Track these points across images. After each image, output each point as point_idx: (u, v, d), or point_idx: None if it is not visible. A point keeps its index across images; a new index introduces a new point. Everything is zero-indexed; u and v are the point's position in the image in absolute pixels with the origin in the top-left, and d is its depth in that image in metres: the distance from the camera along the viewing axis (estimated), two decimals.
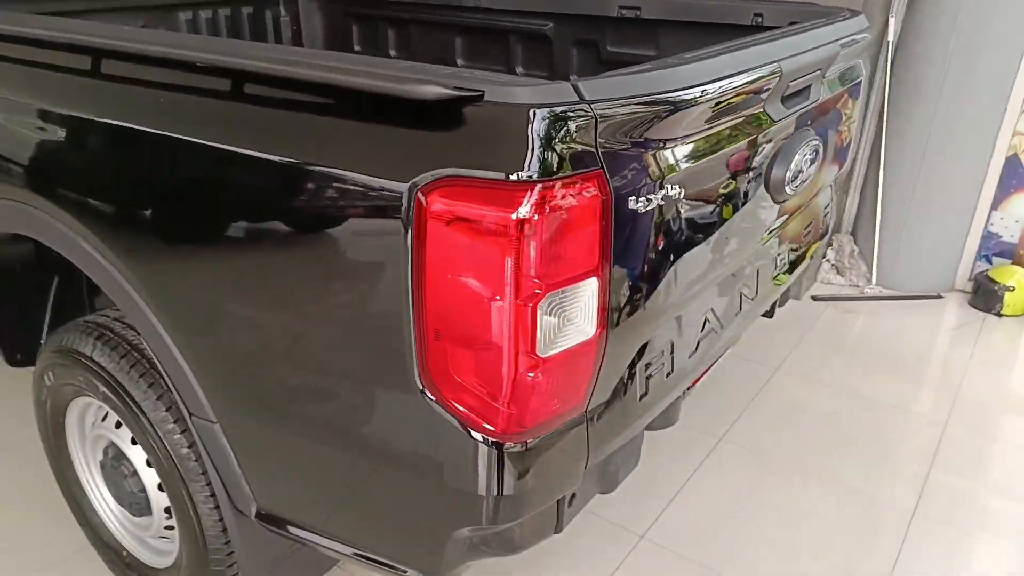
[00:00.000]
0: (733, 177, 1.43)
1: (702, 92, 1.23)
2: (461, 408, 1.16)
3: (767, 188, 1.60)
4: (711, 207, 1.38)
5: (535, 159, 1.03)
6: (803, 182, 1.69)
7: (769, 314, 2.15)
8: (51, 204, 1.53)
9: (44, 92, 1.53)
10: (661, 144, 1.21)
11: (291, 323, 1.31)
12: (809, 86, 1.69)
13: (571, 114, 1.06)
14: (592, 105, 1.08)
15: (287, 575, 1.74)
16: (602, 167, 1.09)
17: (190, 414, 1.50)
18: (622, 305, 1.22)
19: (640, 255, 1.22)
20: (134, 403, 1.60)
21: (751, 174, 1.51)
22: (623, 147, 1.14)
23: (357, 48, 3.28)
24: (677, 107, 1.20)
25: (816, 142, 1.69)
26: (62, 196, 1.52)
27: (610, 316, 1.19)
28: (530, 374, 1.12)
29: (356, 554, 1.43)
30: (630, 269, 1.21)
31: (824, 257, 4.05)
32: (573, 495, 1.40)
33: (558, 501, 1.36)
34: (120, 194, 1.46)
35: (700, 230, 1.36)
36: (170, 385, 1.50)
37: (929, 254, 3.86)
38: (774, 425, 2.78)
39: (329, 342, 1.27)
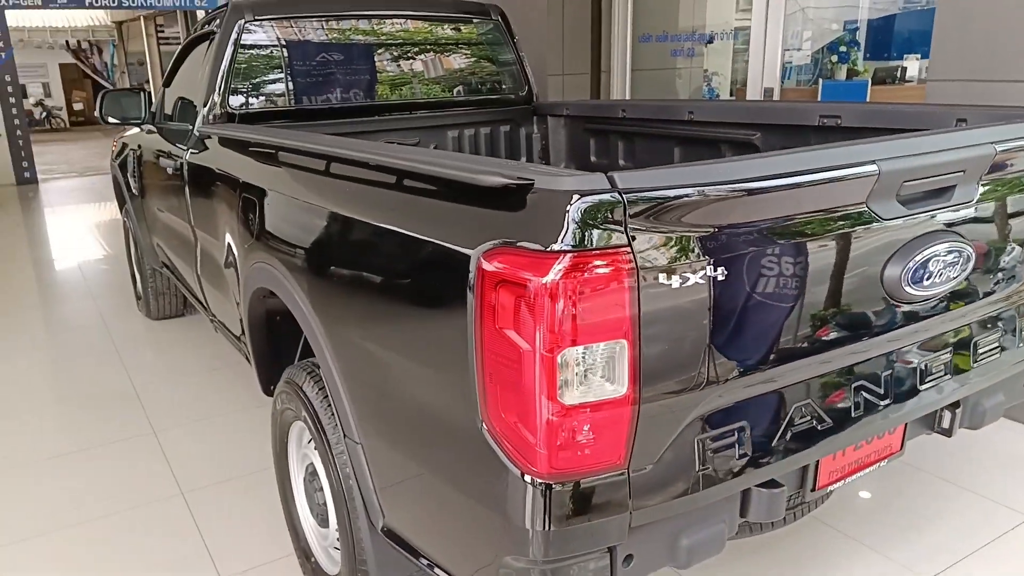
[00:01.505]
0: (809, 266, 1.46)
1: (737, 187, 1.34)
2: (506, 443, 1.35)
3: (884, 290, 1.58)
4: (771, 289, 1.43)
5: (568, 234, 1.25)
6: (944, 288, 1.63)
7: (946, 432, 1.97)
8: (282, 266, 2.05)
9: (285, 183, 2.10)
10: (700, 230, 1.33)
11: (401, 362, 1.63)
12: (952, 187, 1.64)
13: (604, 199, 1.26)
14: (623, 193, 1.26)
15: None
16: (629, 245, 1.26)
17: (344, 435, 1.87)
18: (659, 371, 1.33)
19: (678, 328, 1.33)
20: (321, 426, 2.01)
21: (848, 270, 1.52)
22: (655, 229, 1.29)
23: (593, 158, 3.67)
24: (710, 198, 1.32)
25: (959, 245, 1.62)
26: (286, 260, 2.04)
27: (643, 379, 1.31)
28: (555, 418, 1.28)
29: (435, 568, 1.64)
30: (666, 338, 1.32)
31: None
32: (631, 556, 1.47)
33: (611, 558, 1.45)
34: (310, 256, 1.94)
35: (760, 312, 1.42)
36: (335, 410, 1.89)
37: None
38: None
39: (426, 377, 1.56)
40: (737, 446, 1.49)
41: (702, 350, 1.37)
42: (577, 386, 1.28)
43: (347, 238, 1.84)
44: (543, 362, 1.26)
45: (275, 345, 2.52)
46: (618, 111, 3.50)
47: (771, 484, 1.62)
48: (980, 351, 1.90)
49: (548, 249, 1.25)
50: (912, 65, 5.62)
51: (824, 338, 1.54)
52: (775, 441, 1.55)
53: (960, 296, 1.75)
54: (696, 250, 1.33)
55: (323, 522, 2.23)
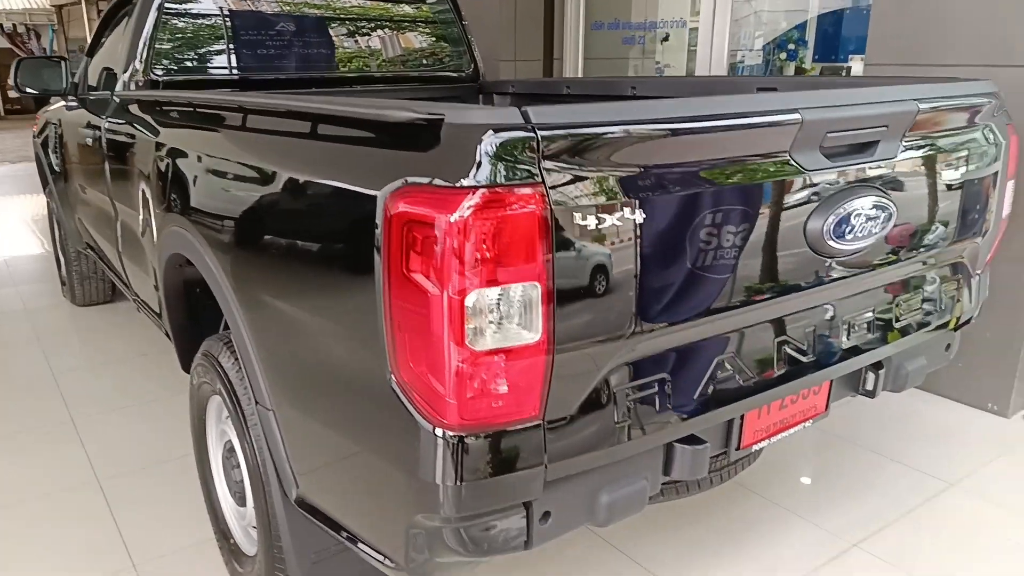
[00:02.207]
0: (732, 214, 1.43)
1: (658, 126, 1.30)
2: (416, 395, 1.29)
3: (807, 243, 1.56)
4: (696, 234, 1.39)
5: (480, 170, 1.19)
6: (865, 243, 1.62)
7: (870, 394, 1.98)
8: (193, 228, 1.95)
9: (195, 141, 2.00)
10: (620, 170, 1.29)
11: (311, 319, 1.55)
12: (875, 142, 1.64)
13: (517, 135, 1.20)
14: (538, 128, 1.21)
15: (330, 574, 1.91)
16: (543, 183, 1.21)
17: (256, 402, 1.78)
18: (576, 318, 1.28)
19: (596, 272, 1.28)
20: (236, 397, 1.92)
21: (771, 220, 1.49)
22: (572, 167, 1.24)
23: None
24: (629, 136, 1.28)
25: (881, 201, 1.62)
26: (197, 221, 1.94)
27: (558, 325, 1.26)
28: (466, 365, 1.22)
29: (349, 539, 1.57)
30: (583, 283, 1.28)
31: None
32: (548, 513, 1.42)
33: (527, 515, 1.40)
34: (218, 214, 1.86)
35: (681, 260, 1.38)
36: (247, 376, 1.80)
37: None
38: (928, 542, 2.45)
39: (336, 333, 1.48)
40: (658, 398, 1.46)
41: (620, 297, 1.32)
42: (488, 332, 1.22)
43: (254, 192, 1.75)
44: (452, 306, 1.20)
45: (195, 319, 2.41)
46: (563, 88, 3.46)
47: (694, 441, 1.59)
48: (903, 311, 1.91)
49: (457, 185, 1.19)
50: (857, 65, 5.74)
51: (748, 289, 1.52)
52: (697, 394, 1.51)
53: (883, 254, 1.75)
54: (615, 191, 1.29)
55: (241, 500, 2.14)
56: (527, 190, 1.20)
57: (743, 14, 4.74)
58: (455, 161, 1.21)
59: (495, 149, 1.19)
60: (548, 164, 1.23)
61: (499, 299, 1.22)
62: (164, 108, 2.48)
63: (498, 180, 1.18)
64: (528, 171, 1.21)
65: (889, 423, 3.25)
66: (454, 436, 1.27)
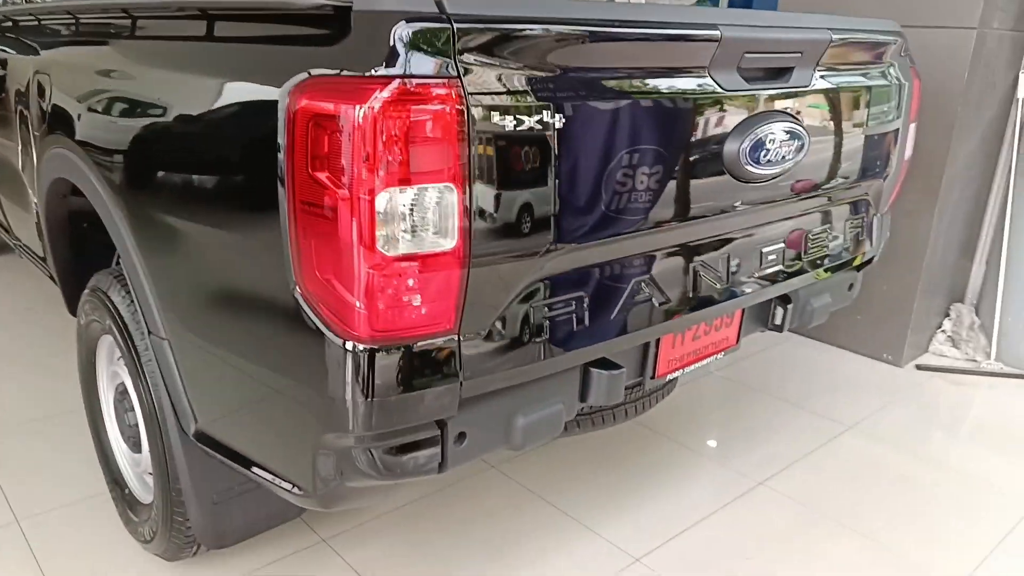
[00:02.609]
0: (652, 128, 1.41)
1: (580, 27, 1.25)
2: (323, 307, 1.21)
3: (724, 164, 1.55)
4: (615, 149, 1.36)
5: (390, 61, 1.11)
6: (778, 168, 1.62)
7: (778, 328, 2.01)
8: (77, 147, 1.79)
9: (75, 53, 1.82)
10: (540, 70, 1.24)
11: (206, 234, 1.45)
12: (790, 69, 1.64)
13: (432, 25, 1.13)
14: (453, 19, 1.14)
15: (234, 515, 1.81)
16: (458, 77, 1.14)
17: (149, 332, 1.66)
18: (493, 227, 1.23)
19: (513, 177, 1.23)
20: (128, 333, 1.78)
21: (690, 139, 1.48)
22: (489, 63, 1.18)
23: None
24: (550, 35, 1.23)
25: (795, 128, 1.62)
26: (80, 138, 1.78)
27: (474, 232, 1.21)
28: (376, 272, 1.15)
29: (253, 470, 1.48)
30: (500, 189, 1.22)
31: (939, 328, 3.70)
32: (463, 434, 1.38)
33: (442, 435, 1.35)
34: (103, 127, 1.71)
35: (598, 170, 1.35)
36: (139, 305, 1.67)
37: None
38: (828, 480, 2.54)
39: (234, 246, 1.39)
40: (574, 317, 1.43)
41: (538, 206, 1.28)
42: (401, 236, 1.15)
43: (143, 103, 1.61)
44: (361, 207, 1.13)
45: (82, 258, 2.23)
46: None
47: (610, 366, 1.57)
48: (811, 246, 1.95)
49: (367, 75, 1.11)
50: None
51: (666, 209, 1.50)
52: (614, 315, 1.49)
53: (795, 183, 1.77)
54: (534, 92, 1.23)
55: (135, 447, 2.00)
56: (442, 84, 1.14)
57: None
58: (365, 52, 1.13)
59: (409, 38, 1.12)
60: (465, 58, 1.16)
61: (412, 201, 1.15)
62: (41, 21, 2.26)
63: (409, 72, 1.11)
64: (444, 64, 1.14)
65: (793, 372, 3.37)
66: (364, 349, 1.20)
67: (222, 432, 1.58)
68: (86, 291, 2.00)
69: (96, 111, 1.77)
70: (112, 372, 2.08)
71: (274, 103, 1.20)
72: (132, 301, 1.76)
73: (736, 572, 2.09)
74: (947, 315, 3.70)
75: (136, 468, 2.06)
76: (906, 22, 2.26)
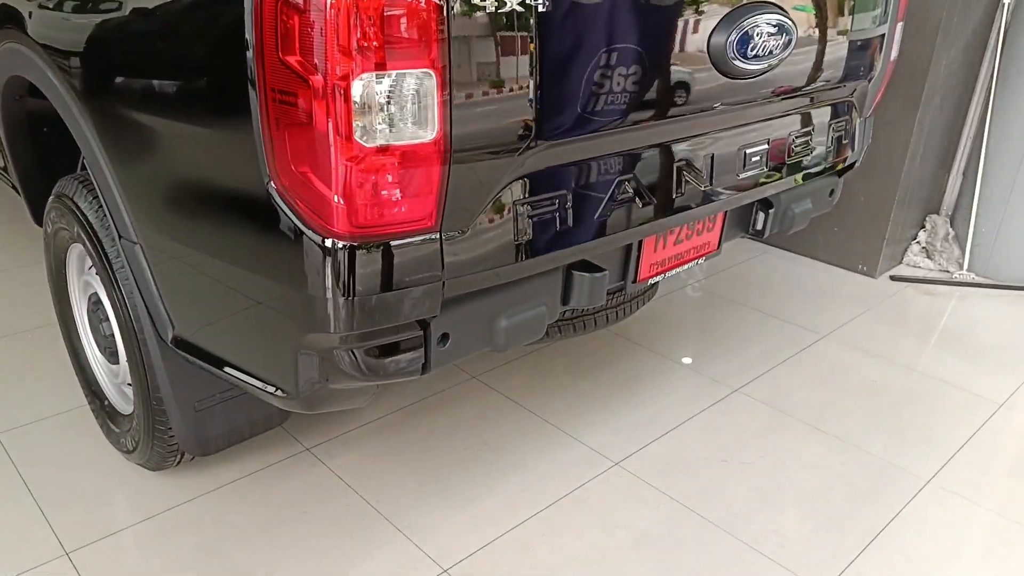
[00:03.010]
0: (636, 18, 1.36)
1: None
2: (299, 202, 1.17)
3: (710, 57, 1.51)
4: (599, 39, 1.31)
5: None
6: (764, 63, 1.58)
7: (759, 234, 2.01)
8: (34, 43, 1.69)
9: None
10: None
11: (174, 128, 1.39)
12: None
13: None
14: None
15: (216, 422, 1.81)
16: None
17: (119, 236, 1.61)
18: (474, 118, 1.19)
19: (493, 66, 1.19)
20: (98, 238, 1.72)
21: (676, 29, 1.43)
22: None
23: None
24: None
25: (783, 21, 1.57)
26: (34, 33, 1.68)
27: (454, 123, 1.16)
28: (354, 164, 1.11)
29: (230, 372, 1.47)
30: (481, 77, 1.18)
31: (914, 239, 3.74)
32: (446, 335, 1.36)
33: (425, 335, 1.33)
34: (62, 21, 1.60)
35: (581, 61, 1.30)
36: (108, 209, 1.62)
37: None
38: (802, 385, 2.60)
39: (202, 141, 1.33)
40: (556, 218, 1.40)
41: (522, 96, 1.23)
42: (378, 125, 1.11)
43: None
44: (336, 93, 1.08)
45: (45, 165, 2.15)
46: None
47: (593, 268, 1.56)
48: (795, 148, 1.92)
49: None
50: None
51: (650, 104, 1.46)
52: (596, 216, 1.47)
53: (781, 81, 1.73)
54: None
55: (113, 357, 1.98)
56: None
57: None
58: None
59: None
60: None
61: (390, 88, 1.10)
62: None
63: None
64: None
65: (770, 284, 3.40)
66: (344, 245, 1.17)
67: (201, 337, 1.55)
68: (51, 198, 1.93)
69: (47, 7, 1.66)
70: (84, 282, 2.04)
71: None
72: (100, 206, 1.71)
73: (711, 473, 2.15)
74: (922, 226, 3.73)
75: (114, 379, 2.04)
76: None
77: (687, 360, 2.72)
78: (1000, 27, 3.35)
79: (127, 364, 1.83)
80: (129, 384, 1.93)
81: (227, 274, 1.40)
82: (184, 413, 1.73)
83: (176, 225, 1.48)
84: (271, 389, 1.41)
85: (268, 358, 1.41)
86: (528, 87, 1.24)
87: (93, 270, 1.92)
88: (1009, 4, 3.34)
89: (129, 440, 1.92)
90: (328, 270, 1.18)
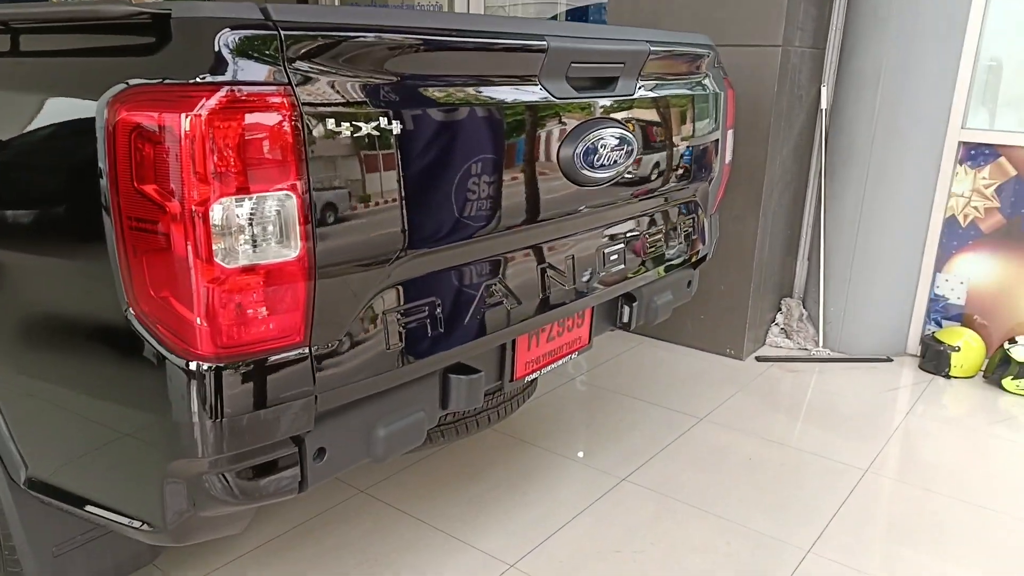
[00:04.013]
0: (490, 135, 1.46)
1: (414, 35, 1.29)
2: (160, 327, 1.16)
3: (560, 168, 1.63)
4: (458, 153, 1.40)
5: (217, 68, 1.09)
6: (611, 172, 1.72)
7: (626, 326, 2.12)
8: None
9: None
10: (373, 77, 1.26)
11: (27, 262, 1.35)
12: (615, 79, 1.75)
13: (258, 32, 1.12)
14: (280, 26, 1.14)
15: (78, 567, 1.68)
16: (289, 84, 1.14)
17: None
18: (338, 234, 1.23)
19: (355, 184, 1.24)
20: None
21: (527, 144, 1.54)
22: (322, 70, 1.19)
23: None
24: (383, 43, 1.26)
25: (623, 134, 1.73)
26: None
27: (318, 239, 1.20)
28: (216, 286, 1.12)
29: (92, 510, 1.39)
30: (342, 196, 1.23)
31: (773, 321, 4.00)
32: (323, 449, 1.35)
33: (300, 452, 1.31)
34: None
35: (442, 174, 1.38)
36: None
37: (877, 318, 3.79)
38: (684, 469, 2.68)
39: (57, 272, 1.30)
40: (428, 323, 1.44)
41: (387, 209, 1.29)
42: (239, 246, 1.13)
43: None
44: (194, 218, 1.09)
45: None
46: None
47: (468, 371, 1.60)
48: (650, 246, 2.07)
49: (192, 83, 1.08)
50: None
51: (510, 212, 1.55)
52: (467, 319, 1.52)
53: (628, 187, 1.88)
54: (370, 98, 1.25)
55: None
56: (273, 91, 1.13)
57: (497, 4, 4.91)
58: (188, 60, 1.12)
59: (235, 45, 1.11)
60: (297, 65, 1.17)
61: (251, 211, 1.13)
62: None
63: (241, 79, 1.10)
64: (273, 71, 1.14)
65: (646, 373, 3.53)
66: (209, 367, 1.16)
67: (58, 476, 1.46)
68: None
69: None
70: None
71: (91, 119, 1.15)
72: None
73: (606, 566, 2.16)
74: (779, 309, 4.01)
75: None
76: (718, 41, 2.47)
77: (574, 453, 2.76)
78: (822, 128, 3.76)
79: None
80: None
81: (86, 406, 1.34)
82: (41, 560, 1.60)
83: (29, 359, 1.41)
84: (137, 524, 1.34)
85: (133, 491, 1.34)
86: (393, 201, 1.30)
87: None
88: (826, 109, 3.77)
89: None
90: (194, 393, 1.16)
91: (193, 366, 1.16)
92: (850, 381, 3.51)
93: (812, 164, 3.88)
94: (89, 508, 1.41)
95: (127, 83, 1.12)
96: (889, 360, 3.75)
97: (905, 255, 3.70)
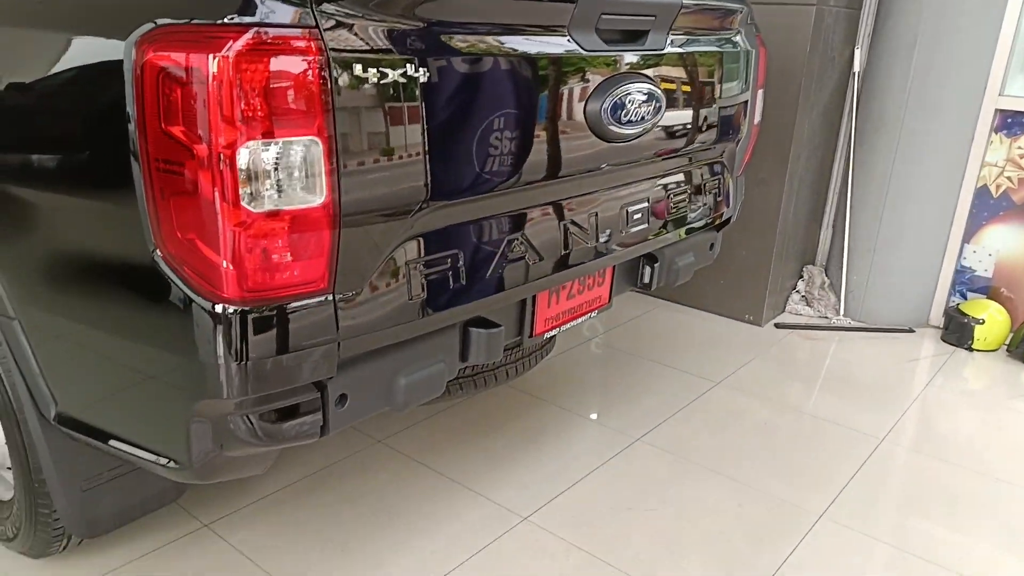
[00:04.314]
0: (517, 87, 1.45)
1: None
2: (187, 269, 1.17)
3: (588, 123, 1.61)
4: (483, 105, 1.39)
5: (244, 9, 1.09)
6: (638, 128, 1.70)
7: (647, 287, 2.11)
8: None
9: None
10: (401, 22, 1.25)
11: (57, 201, 1.37)
12: (645, 32, 1.72)
13: None
14: None
15: (105, 501, 1.73)
16: (317, 27, 1.14)
17: None
18: (360, 182, 1.23)
19: (380, 132, 1.24)
20: None
21: (555, 97, 1.53)
22: (350, 14, 1.18)
23: None
24: None
25: (652, 90, 1.70)
26: None
27: (343, 187, 1.20)
28: (242, 230, 1.13)
29: (119, 446, 1.42)
30: (368, 143, 1.22)
31: (794, 288, 3.98)
32: (344, 396, 1.37)
33: (322, 397, 1.34)
34: None
35: (467, 126, 1.37)
36: None
37: (901, 288, 3.75)
38: (699, 431, 2.70)
39: (87, 212, 1.32)
40: (450, 276, 1.45)
41: (411, 159, 1.29)
42: (265, 190, 1.14)
43: None
44: (221, 161, 1.10)
45: None
46: None
47: (488, 324, 1.61)
48: (674, 205, 2.05)
49: (219, 24, 1.08)
50: None
51: (535, 166, 1.54)
52: (489, 273, 1.53)
53: (655, 144, 1.86)
54: (398, 45, 1.24)
55: None
56: (301, 34, 1.12)
57: None
58: (215, 1, 1.10)
59: None
60: (325, 8, 1.16)
61: (276, 155, 1.13)
62: None
63: (269, 21, 1.09)
64: (301, 13, 1.13)
65: (664, 336, 3.53)
66: (234, 310, 1.18)
67: (86, 412, 1.50)
68: None
69: None
70: None
71: (117, 55, 1.15)
72: None
73: (618, 522, 2.19)
74: (800, 276, 3.98)
75: None
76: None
77: (590, 414, 2.79)
78: (854, 92, 3.69)
79: (5, 446, 1.73)
80: (8, 468, 1.82)
81: (114, 346, 1.37)
82: (69, 494, 1.65)
83: (57, 299, 1.44)
84: (164, 461, 1.37)
85: (159, 429, 1.37)
86: (417, 151, 1.30)
87: None
88: (859, 72, 3.69)
89: (9, 527, 1.81)
90: (219, 336, 1.18)
91: (219, 309, 1.17)
92: (870, 351, 3.49)
93: (841, 129, 3.81)
94: (117, 444, 1.45)
95: (155, 23, 1.11)
96: (911, 331, 3.72)
97: (933, 225, 3.64)
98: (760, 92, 2.30)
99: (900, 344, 3.58)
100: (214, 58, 1.06)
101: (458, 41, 1.34)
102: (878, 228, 3.68)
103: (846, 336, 3.66)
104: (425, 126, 1.29)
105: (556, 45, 1.52)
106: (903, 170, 3.55)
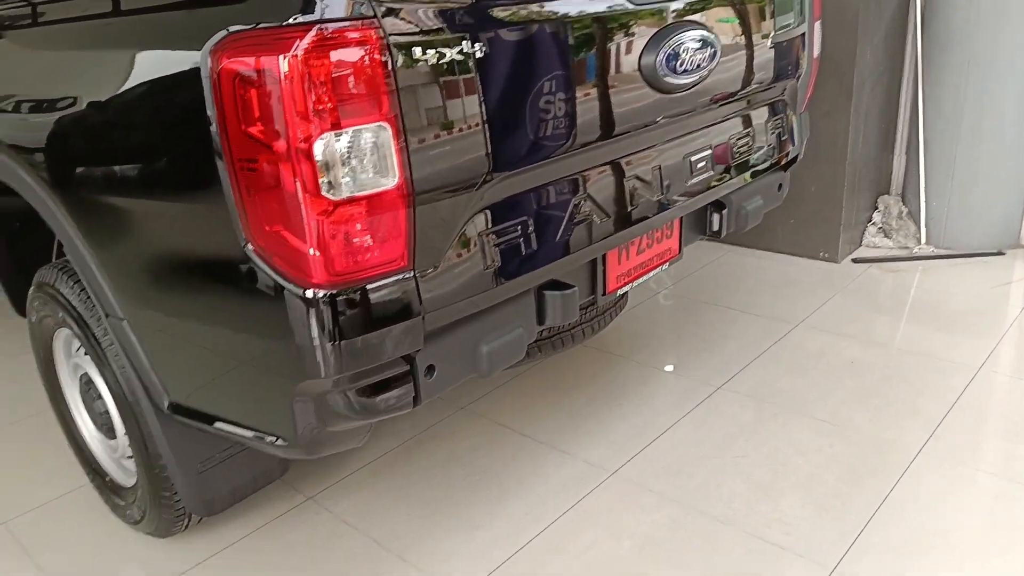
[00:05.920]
0: (570, 50, 1.46)
1: None
2: (277, 259, 1.24)
3: (643, 76, 1.61)
4: (537, 72, 1.41)
5: (305, 8, 1.14)
6: (695, 76, 1.69)
7: (716, 234, 2.11)
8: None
9: None
10: (451, 1, 1.28)
11: (150, 207, 1.46)
12: None
13: None
14: None
15: (219, 481, 1.86)
16: (375, 16, 1.18)
17: (106, 315, 1.67)
18: (430, 159, 1.28)
19: (442, 111, 1.28)
20: (84, 321, 1.78)
21: (608, 55, 1.53)
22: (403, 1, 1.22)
23: None
24: None
25: (706, 36, 1.69)
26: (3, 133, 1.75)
27: (413, 167, 1.25)
28: (325, 218, 1.19)
29: (231, 429, 1.53)
30: (432, 123, 1.27)
31: (870, 221, 3.87)
32: (432, 367, 1.44)
33: (412, 370, 1.40)
34: (28, 119, 1.68)
35: (524, 95, 1.39)
36: (92, 291, 1.68)
37: (985, 209, 3.60)
38: (783, 374, 2.68)
39: (180, 214, 1.41)
40: (521, 243, 1.49)
41: (473, 134, 1.32)
42: (341, 178, 1.19)
43: (65, 86, 1.58)
44: (299, 155, 1.16)
45: (20, 257, 2.21)
46: None
47: (563, 287, 1.64)
48: (738, 149, 2.03)
49: (284, 25, 1.13)
50: None
51: (594, 127, 1.56)
52: (558, 236, 1.56)
53: (713, 90, 1.84)
54: (451, 24, 1.27)
55: (109, 432, 2.02)
56: (361, 25, 1.17)
57: None
58: (279, 3, 1.16)
59: None
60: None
61: (349, 144, 1.19)
62: None
63: (329, 16, 1.14)
64: (358, 5, 1.17)
65: (737, 281, 3.50)
66: (325, 294, 1.25)
67: (197, 400, 1.61)
68: (32, 288, 1.99)
69: (5, 111, 1.73)
70: (73, 365, 2.08)
71: (195, 70, 1.22)
72: (83, 289, 1.76)
73: (708, 471, 2.21)
74: (875, 207, 3.86)
75: (113, 454, 2.08)
76: None
77: (668, 366, 2.80)
78: (916, 12, 3.52)
79: (126, 437, 1.87)
80: (129, 457, 1.97)
81: (216, 337, 1.46)
82: (188, 476, 1.78)
83: (160, 298, 1.54)
84: (272, 439, 1.47)
85: (265, 410, 1.47)
86: (478, 125, 1.33)
87: (82, 351, 1.97)
88: None
89: (136, 511, 1.96)
90: (313, 320, 1.25)
91: (310, 294, 1.24)
92: (958, 278, 3.37)
93: (907, 51, 3.65)
94: (228, 427, 1.56)
95: (227, 30, 1.17)
96: (1000, 254, 3.57)
97: (1014, 139, 3.47)
98: (817, 24, 2.23)
99: (990, 268, 3.44)
100: (284, 58, 1.12)
101: (506, 11, 1.36)
102: (955, 150, 3.54)
103: (931, 265, 3.55)
104: (482, 99, 1.32)
105: (603, 2, 1.52)
106: (976, 86, 3.39)
